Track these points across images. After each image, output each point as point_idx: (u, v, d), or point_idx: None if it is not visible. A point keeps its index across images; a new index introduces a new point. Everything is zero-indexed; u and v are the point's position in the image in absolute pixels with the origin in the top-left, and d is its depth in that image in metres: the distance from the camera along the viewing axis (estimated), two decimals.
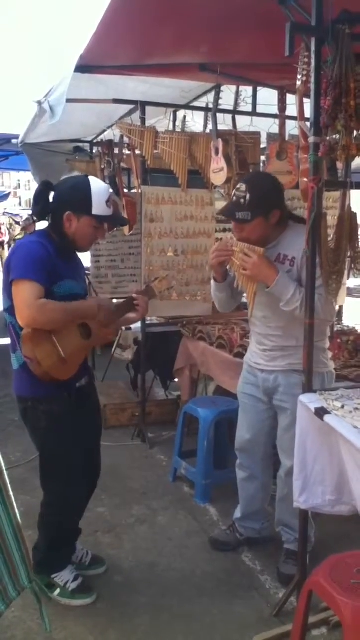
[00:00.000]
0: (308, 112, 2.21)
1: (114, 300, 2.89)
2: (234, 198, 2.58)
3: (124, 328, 5.04)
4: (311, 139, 2.17)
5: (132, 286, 5.06)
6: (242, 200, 2.53)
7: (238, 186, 2.59)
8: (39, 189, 2.51)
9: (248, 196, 2.51)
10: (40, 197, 2.50)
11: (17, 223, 16.32)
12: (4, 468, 1.71)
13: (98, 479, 2.84)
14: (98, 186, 2.49)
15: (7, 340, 2.56)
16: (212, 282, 2.84)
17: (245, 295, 2.79)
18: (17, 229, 15.41)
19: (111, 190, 2.60)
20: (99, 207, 2.46)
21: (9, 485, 1.75)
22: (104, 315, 2.52)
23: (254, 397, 2.88)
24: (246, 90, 4.06)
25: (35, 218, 2.58)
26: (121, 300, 2.80)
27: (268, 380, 2.78)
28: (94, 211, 2.45)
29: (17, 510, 1.77)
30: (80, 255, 2.69)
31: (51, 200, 2.51)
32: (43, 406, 2.47)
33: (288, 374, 2.71)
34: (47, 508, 2.64)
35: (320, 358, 2.63)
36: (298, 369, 2.65)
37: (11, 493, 1.75)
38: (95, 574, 2.81)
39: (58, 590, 2.63)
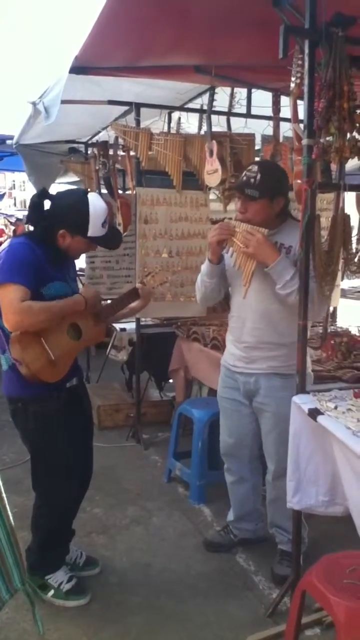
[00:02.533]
0: (302, 114, 2.22)
1: (109, 301, 2.89)
2: (244, 178, 2.63)
3: (118, 329, 5.06)
4: (304, 141, 2.18)
5: (127, 287, 5.05)
6: (252, 180, 2.58)
7: (250, 167, 2.67)
8: (35, 200, 2.50)
9: (258, 176, 2.58)
10: (36, 207, 2.49)
11: (12, 223, 16.22)
12: None
13: (90, 480, 2.84)
14: (96, 208, 2.47)
15: None
16: (205, 265, 2.82)
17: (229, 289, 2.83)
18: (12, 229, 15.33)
19: (105, 206, 2.56)
20: (94, 229, 2.47)
21: (2, 487, 1.74)
22: (92, 306, 2.53)
23: (235, 401, 2.86)
24: (240, 92, 4.07)
25: (29, 226, 2.57)
26: (123, 293, 2.83)
27: (248, 382, 2.76)
28: (89, 233, 2.47)
29: (9, 512, 1.76)
30: None
31: (47, 207, 2.50)
32: (33, 407, 2.46)
33: (269, 377, 2.70)
34: (39, 509, 2.64)
35: None
36: (280, 372, 2.66)
37: (4, 495, 1.75)
38: (89, 574, 2.81)
39: (52, 591, 2.62)
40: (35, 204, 2.49)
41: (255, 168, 2.62)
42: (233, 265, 2.70)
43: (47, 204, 2.52)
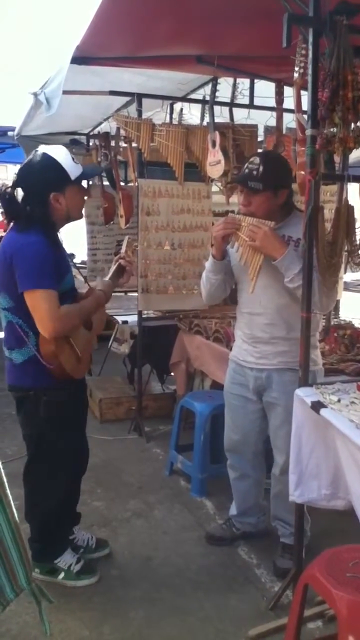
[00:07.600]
0: (305, 105, 2.19)
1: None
2: (246, 170, 2.59)
3: (120, 322, 5.05)
4: (308, 132, 2.16)
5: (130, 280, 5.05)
6: (255, 172, 2.54)
7: (252, 159, 2.63)
8: (7, 194, 2.44)
9: (261, 168, 2.54)
10: (10, 200, 2.45)
11: None
12: (0, 467, 1.69)
13: (87, 462, 2.88)
14: (58, 152, 2.44)
15: None
16: (209, 262, 2.78)
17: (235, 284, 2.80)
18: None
19: (61, 145, 2.56)
20: (72, 170, 2.45)
21: (6, 484, 1.72)
22: (109, 298, 2.64)
23: (242, 397, 2.84)
24: (243, 83, 4.04)
25: (8, 220, 2.51)
26: (111, 271, 2.86)
27: (260, 378, 2.73)
28: (72, 177, 2.45)
29: (14, 509, 1.74)
30: (75, 248, 2.70)
31: (21, 196, 2.47)
32: (47, 396, 2.48)
33: (281, 372, 2.67)
34: (36, 497, 2.67)
35: (312, 355, 2.54)
36: (292, 366, 2.60)
37: (8, 492, 1.72)
38: (101, 555, 2.88)
39: (62, 574, 2.66)
40: (9, 197, 2.45)
41: (257, 160, 2.58)
42: (239, 260, 2.65)
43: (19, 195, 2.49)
